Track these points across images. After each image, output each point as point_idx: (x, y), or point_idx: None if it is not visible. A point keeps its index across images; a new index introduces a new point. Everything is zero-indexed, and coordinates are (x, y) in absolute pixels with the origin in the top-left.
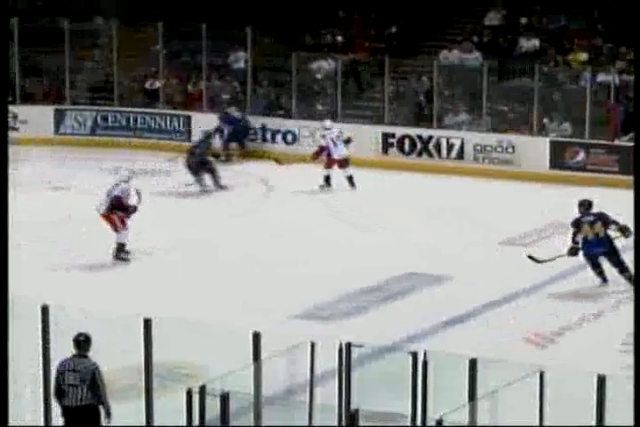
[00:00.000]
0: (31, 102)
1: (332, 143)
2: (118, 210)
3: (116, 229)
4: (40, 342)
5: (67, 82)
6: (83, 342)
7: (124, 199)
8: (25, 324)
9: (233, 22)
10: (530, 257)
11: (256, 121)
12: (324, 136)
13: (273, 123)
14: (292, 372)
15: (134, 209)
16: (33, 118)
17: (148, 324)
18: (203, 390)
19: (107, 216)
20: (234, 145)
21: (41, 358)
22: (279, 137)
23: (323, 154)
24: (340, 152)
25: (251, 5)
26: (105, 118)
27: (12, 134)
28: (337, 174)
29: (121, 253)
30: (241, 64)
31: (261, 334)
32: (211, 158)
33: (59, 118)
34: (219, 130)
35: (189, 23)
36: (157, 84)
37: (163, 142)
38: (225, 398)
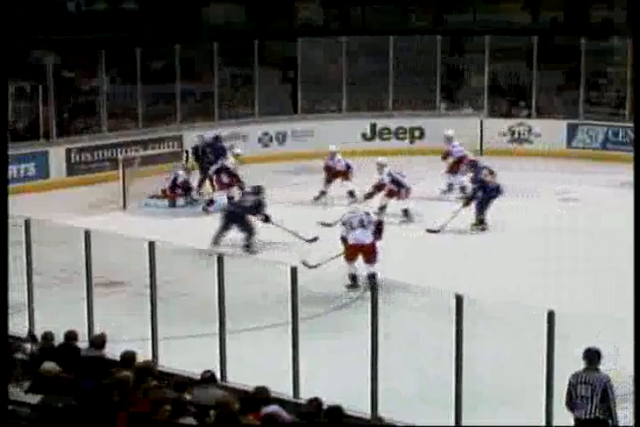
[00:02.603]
0: (546, 116)
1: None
2: None
3: None
4: None
5: (581, 98)
6: (593, 355)
7: None
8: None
9: None
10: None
11: None
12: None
13: None
14: None
15: None
16: (547, 132)
17: None
18: None
19: None
20: None
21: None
22: None
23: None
24: None
25: None
26: (615, 134)
27: (525, 146)
28: None
29: None
30: None
31: None
32: None
33: (571, 132)
34: None
35: None
36: None
37: None
38: None
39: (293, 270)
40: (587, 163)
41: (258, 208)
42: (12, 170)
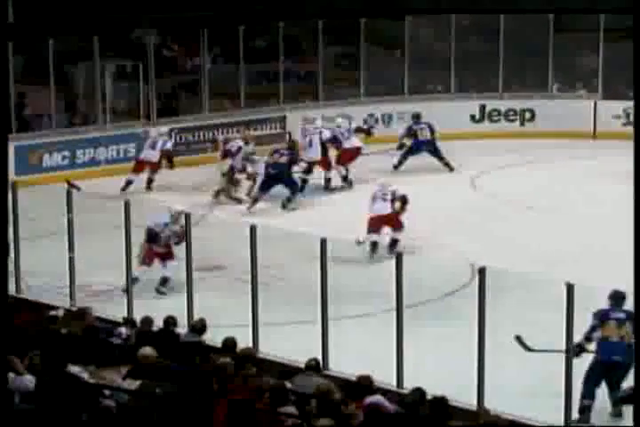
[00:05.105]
0: None
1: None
2: None
3: None
4: None
5: None
6: None
7: None
8: None
9: None
10: None
11: None
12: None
13: None
14: None
15: None
16: None
17: None
18: None
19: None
20: None
21: None
22: None
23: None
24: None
25: None
26: None
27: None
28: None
29: None
30: None
31: None
32: None
33: None
34: None
35: None
36: None
37: None
38: None
39: (399, 256)
40: None
41: None
42: (113, 150)
